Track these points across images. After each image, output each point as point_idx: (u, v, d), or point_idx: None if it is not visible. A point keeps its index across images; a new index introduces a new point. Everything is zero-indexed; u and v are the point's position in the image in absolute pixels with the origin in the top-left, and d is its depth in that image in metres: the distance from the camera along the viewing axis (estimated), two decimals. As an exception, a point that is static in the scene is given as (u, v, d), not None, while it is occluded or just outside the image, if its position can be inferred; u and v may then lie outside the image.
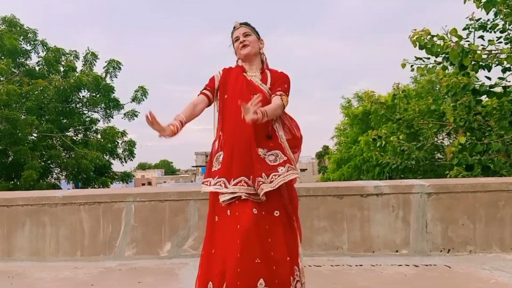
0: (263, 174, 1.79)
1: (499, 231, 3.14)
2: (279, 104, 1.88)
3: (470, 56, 4.65)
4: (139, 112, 14.11)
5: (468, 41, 4.99)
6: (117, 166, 15.45)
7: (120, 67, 13.97)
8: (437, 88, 16.47)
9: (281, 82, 1.97)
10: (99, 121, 14.68)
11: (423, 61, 5.36)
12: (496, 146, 4.96)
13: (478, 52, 4.69)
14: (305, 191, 3.19)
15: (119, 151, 14.32)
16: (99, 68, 14.52)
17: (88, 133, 14.69)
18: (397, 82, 6.98)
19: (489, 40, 5.01)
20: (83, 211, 3.26)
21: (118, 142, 14.20)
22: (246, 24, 2.05)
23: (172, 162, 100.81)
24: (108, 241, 3.23)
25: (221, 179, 1.84)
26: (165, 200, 3.25)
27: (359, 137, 18.26)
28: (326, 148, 39.46)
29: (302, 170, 50.42)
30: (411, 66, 5.43)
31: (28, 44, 13.57)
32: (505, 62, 4.80)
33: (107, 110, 14.17)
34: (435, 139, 8.41)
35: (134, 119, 14.08)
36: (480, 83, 5.09)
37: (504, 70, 5.00)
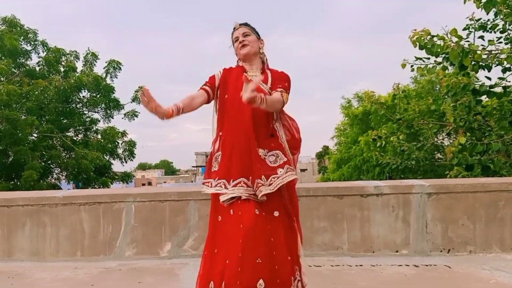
0: (263, 176, 1.79)
1: (499, 231, 3.14)
2: (279, 99, 1.87)
3: (470, 56, 4.66)
4: (139, 112, 14.15)
5: (468, 41, 5.00)
6: (117, 166, 15.51)
7: (120, 67, 13.99)
8: (437, 88, 16.47)
9: (281, 81, 1.97)
10: (99, 121, 14.72)
11: (423, 61, 5.37)
12: (496, 146, 4.96)
13: (478, 52, 4.70)
14: (305, 191, 3.19)
15: (119, 151, 14.34)
16: (99, 69, 14.57)
17: (89, 133, 14.70)
18: (397, 82, 7.00)
19: (489, 40, 5.01)
20: (83, 211, 3.26)
21: (118, 142, 14.21)
22: (246, 24, 2.05)
23: (172, 162, 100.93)
24: (108, 241, 3.23)
25: (221, 180, 1.84)
26: (165, 200, 3.25)
27: (359, 137, 18.26)
28: (326, 148, 39.47)
29: (302, 170, 50.42)
30: (411, 66, 5.44)
31: (28, 45, 13.59)
32: (505, 62, 4.80)
33: (107, 110, 14.18)
34: (435, 139, 8.41)
35: (134, 119, 14.12)
36: (480, 83, 5.09)
37: (504, 70, 5.00)
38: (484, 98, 5.34)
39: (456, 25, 4.81)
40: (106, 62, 13.90)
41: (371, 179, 16.66)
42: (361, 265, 2.93)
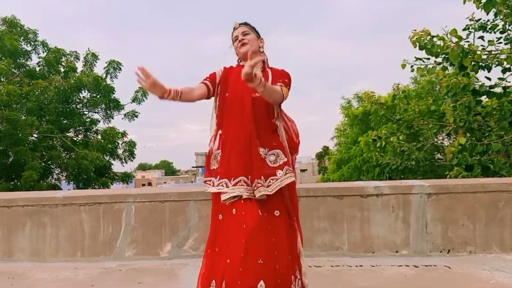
0: (262, 176, 1.80)
1: (499, 231, 3.14)
2: (278, 90, 1.86)
3: (470, 56, 4.66)
4: (139, 113, 14.16)
5: (468, 41, 5.00)
6: (117, 167, 15.53)
7: (120, 68, 13.98)
8: (437, 89, 16.48)
9: (281, 77, 1.97)
10: (99, 121, 14.71)
11: (423, 61, 5.37)
12: (496, 146, 4.97)
13: (478, 52, 4.70)
14: (305, 191, 3.19)
15: (120, 151, 14.33)
16: (99, 69, 14.56)
17: (89, 133, 14.70)
18: (397, 82, 7.03)
19: (489, 41, 5.02)
20: (83, 212, 3.26)
21: (118, 143, 14.21)
22: (245, 23, 2.06)
23: (172, 163, 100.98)
24: (108, 242, 3.23)
25: (223, 179, 1.84)
26: (165, 200, 3.25)
27: (359, 137, 18.26)
28: (326, 148, 39.46)
29: (302, 170, 50.43)
30: (411, 66, 5.44)
31: (28, 45, 13.59)
32: (505, 63, 4.80)
33: (108, 111, 14.18)
34: (435, 139, 8.41)
35: (134, 119, 14.13)
36: (480, 83, 5.10)
37: (504, 71, 5.00)
38: (484, 98, 5.34)
39: (456, 26, 4.82)
40: (106, 63, 13.92)
41: (371, 180, 16.66)
42: (361, 266, 2.94)
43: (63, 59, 13.91)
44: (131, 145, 14.35)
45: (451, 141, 7.66)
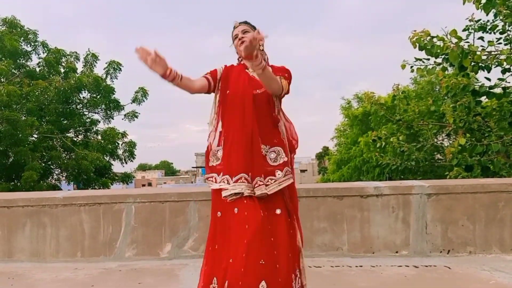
0: (262, 174, 1.81)
1: (499, 232, 3.15)
2: (278, 79, 1.86)
3: (469, 57, 4.66)
4: (139, 113, 14.15)
5: (468, 42, 5.01)
6: (117, 167, 15.48)
7: (120, 68, 13.98)
8: (437, 89, 16.49)
9: (281, 71, 1.98)
10: (99, 122, 14.70)
11: (423, 62, 5.37)
12: (496, 147, 4.97)
13: (478, 53, 4.71)
14: (305, 192, 3.19)
15: (120, 152, 14.32)
16: (99, 69, 14.56)
17: (89, 134, 14.69)
18: (397, 83, 7.03)
19: (488, 41, 5.02)
20: (83, 212, 3.26)
21: (118, 143, 14.19)
22: (246, 22, 2.06)
23: (172, 163, 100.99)
24: (108, 242, 3.23)
25: (225, 176, 1.84)
26: (165, 201, 3.25)
27: (359, 138, 18.25)
28: (326, 149, 39.45)
29: (302, 171, 50.42)
30: (411, 67, 5.45)
31: (28, 45, 13.59)
32: (504, 63, 4.80)
33: (108, 111, 14.17)
34: (435, 140, 8.42)
35: (134, 120, 14.11)
36: (479, 84, 5.10)
37: (504, 71, 5.01)
38: (483, 99, 5.35)
39: (455, 26, 4.83)
40: (106, 63, 13.90)
41: (371, 180, 16.65)
42: (361, 266, 2.94)
43: (63, 60, 13.91)
44: (131, 145, 14.34)
45: (451, 142, 7.66)
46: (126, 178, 15.39)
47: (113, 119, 14.32)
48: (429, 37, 4.84)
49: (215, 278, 1.78)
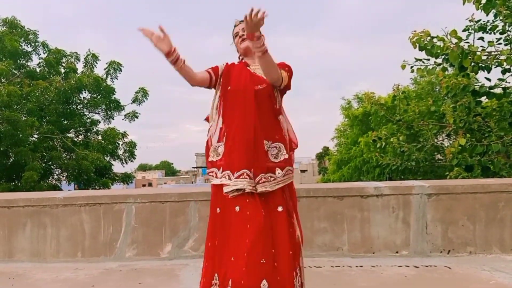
0: (265, 171, 1.82)
1: (499, 232, 3.15)
2: (277, 68, 1.85)
3: (470, 57, 4.67)
4: (139, 113, 14.16)
5: (468, 42, 5.01)
6: (117, 167, 15.48)
7: (120, 69, 13.99)
8: (437, 90, 16.48)
9: (281, 66, 1.97)
10: (99, 122, 14.70)
11: (423, 62, 5.38)
12: (496, 147, 4.97)
13: (478, 53, 4.71)
14: (305, 192, 3.19)
15: (120, 152, 14.32)
16: (100, 70, 14.57)
17: (89, 134, 14.70)
18: (397, 83, 7.03)
19: (488, 42, 5.03)
20: (83, 212, 3.27)
21: (118, 144, 14.20)
22: None
23: (172, 163, 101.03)
24: (108, 242, 3.24)
25: (226, 172, 1.84)
26: (166, 201, 3.26)
27: (359, 138, 18.25)
28: (326, 149, 39.44)
29: (302, 171, 50.41)
30: (411, 67, 5.45)
31: (29, 46, 13.60)
32: (504, 64, 4.81)
33: (108, 112, 14.18)
34: (435, 140, 8.42)
35: (134, 120, 14.13)
36: (480, 84, 5.11)
37: (504, 71, 5.01)
38: (484, 99, 5.35)
39: (455, 26, 4.83)
40: (106, 63, 13.92)
41: (371, 180, 16.65)
42: (361, 266, 2.94)
43: (64, 60, 13.92)
44: (132, 145, 14.35)
45: (451, 142, 7.66)
46: (126, 178, 15.39)
47: (113, 119, 14.35)
48: (429, 38, 4.85)
49: (216, 274, 1.80)
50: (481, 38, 5.20)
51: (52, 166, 13.81)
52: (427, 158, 6.97)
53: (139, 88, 13.72)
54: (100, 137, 14.35)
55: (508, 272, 2.73)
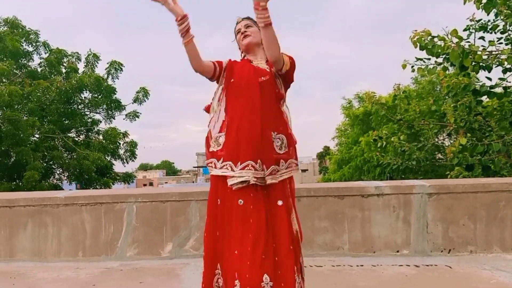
0: (273, 163, 1.83)
1: (500, 231, 3.15)
2: (279, 45, 1.83)
3: (470, 57, 4.66)
4: (140, 113, 14.20)
5: (468, 42, 5.01)
6: (118, 167, 15.51)
7: (121, 68, 14.02)
8: (438, 89, 16.47)
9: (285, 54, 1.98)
10: (100, 122, 14.75)
11: (424, 61, 5.37)
12: (497, 146, 4.97)
13: (479, 53, 4.71)
14: (306, 191, 3.20)
15: (121, 152, 14.37)
16: (100, 70, 14.59)
17: (90, 134, 14.74)
18: (398, 82, 7.01)
19: (489, 41, 5.02)
20: (85, 212, 3.27)
21: (119, 143, 14.24)
22: (248, 18, 2.07)
23: (173, 163, 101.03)
24: (109, 242, 3.24)
25: (227, 162, 1.82)
26: (167, 200, 3.26)
27: (360, 137, 18.27)
28: (327, 148, 39.43)
29: (303, 170, 50.38)
30: (412, 67, 5.45)
31: (30, 46, 13.64)
32: (505, 63, 4.80)
33: (109, 111, 14.22)
34: (436, 139, 8.41)
35: (135, 120, 14.17)
36: (480, 83, 5.10)
37: (505, 71, 5.00)
38: (484, 98, 5.34)
39: (456, 26, 4.84)
40: (107, 63, 13.96)
41: (372, 180, 16.65)
42: (362, 265, 2.94)
43: (65, 60, 13.95)
44: (132, 145, 14.38)
45: (451, 141, 7.66)
46: (127, 178, 15.44)
47: (114, 119, 14.40)
48: (430, 37, 4.84)
49: (218, 264, 1.82)
50: (482, 38, 5.20)
51: (53, 166, 13.85)
52: (427, 158, 6.97)
53: (140, 88, 13.75)
54: (101, 137, 14.39)
55: (509, 271, 2.72)
